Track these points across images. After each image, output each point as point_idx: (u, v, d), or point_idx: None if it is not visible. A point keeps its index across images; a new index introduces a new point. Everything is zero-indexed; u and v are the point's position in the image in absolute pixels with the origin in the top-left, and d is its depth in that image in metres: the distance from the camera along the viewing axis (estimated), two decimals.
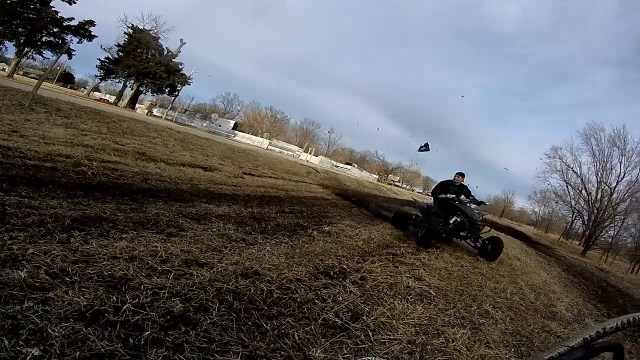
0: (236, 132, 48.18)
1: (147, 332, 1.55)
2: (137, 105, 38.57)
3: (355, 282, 3.08)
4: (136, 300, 1.74)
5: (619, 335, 3.91)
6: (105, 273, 1.93)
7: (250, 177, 10.07)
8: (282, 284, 2.51)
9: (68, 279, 1.78)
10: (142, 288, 1.86)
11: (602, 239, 32.44)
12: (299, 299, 2.35)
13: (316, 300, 2.42)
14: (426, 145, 13.24)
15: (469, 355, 2.33)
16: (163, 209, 3.59)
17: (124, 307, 1.66)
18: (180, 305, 1.82)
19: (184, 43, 36.07)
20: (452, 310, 3.09)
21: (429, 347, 2.26)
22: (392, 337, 2.24)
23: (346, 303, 2.53)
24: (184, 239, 2.86)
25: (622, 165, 30.81)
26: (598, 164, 32.34)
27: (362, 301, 2.66)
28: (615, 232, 31.56)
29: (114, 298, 1.71)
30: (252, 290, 2.25)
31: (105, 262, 2.06)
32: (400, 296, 3.05)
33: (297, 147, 52.72)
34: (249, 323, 1.88)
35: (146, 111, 38.09)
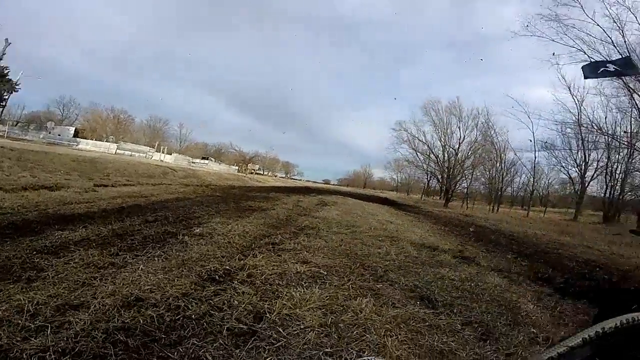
0: (78, 139, 51.75)
1: None
2: None
3: (244, 281, 3.45)
4: None
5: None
6: None
7: (104, 188, 11.12)
8: (170, 304, 2.71)
9: None
10: (24, 357, 1.90)
11: (459, 190, 46.51)
12: (193, 316, 2.57)
13: (212, 311, 2.67)
14: None
15: (382, 320, 2.86)
16: (13, 250, 3.67)
17: None
18: None
19: (9, 43, 38.09)
20: (348, 284, 3.70)
21: (342, 324, 2.67)
22: (303, 326, 2.57)
23: (243, 305, 2.84)
24: (46, 281, 2.95)
25: (460, 130, 45.48)
26: (440, 131, 46.65)
27: (258, 299, 3.00)
28: (469, 184, 45.83)
29: None
30: (142, 321, 2.40)
31: None
32: (293, 284, 3.50)
33: (148, 148, 58.85)
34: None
35: None
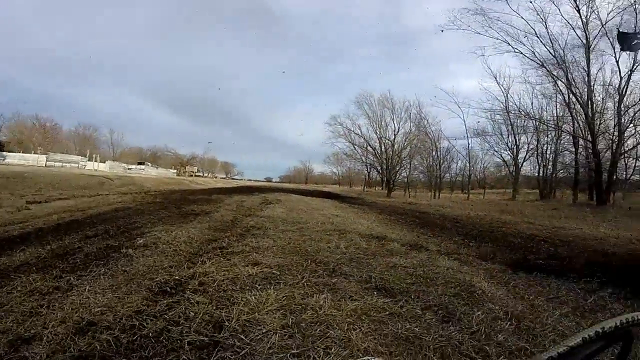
0: (4, 153, 50.01)
1: None
2: None
3: (196, 290, 3.43)
4: None
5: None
6: None
7: (37, 205, 10.99)
8: (125, 325, 2.66)
9: None
10: None
11: (400, 180, 48.64)
12: (151, 334, 2.54)
13: (169, 327, 2.64)
14: None
15: (342, 314, 2.89)
16: None
17: None
18: None
19: None
20: (303, 282, 3.74)
21: (303, 324, 2.70)
22: (265, 330, 2.57)
23: (200, 316, 2.81)
24: None
25: (394, 122, 47.74)
26: (375, 124, 48.70)
27: (214, 308, 2.99)
28: (408, 173, 48.50)
29: None
30: (98, 347, 2.36)
31: None
32: (248, 287, 3.51)
33: (80, 157, 57.90)
34: None
35: None
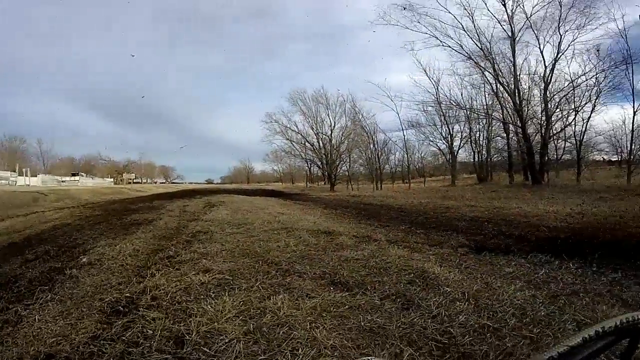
0: None
1: None
2: None
3: (150, 306, 3.32)
4: None
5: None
6: None
7: None
8: (83, 353, 2.57)
9: None
10: None
11: (341, 173, 50.20)
12: (112, 359, 2.48)
13: (129, 349, 2.57)
14: None
15: (303, 314, 2.91)
16: None
17: None
18: None
19: None
20: (257, 285, 3.72)
21: (265, 328, 2.68)
22: (227, 340, 2.54)
23: (159, 333, 2.74)
24: None
25: (330, 117, 48.95)
26: (311, 120, 49.58)
27: (171, 322, 2.91)
28: (349, 166, 50.06)
29: None
30: None
31: None
32: (202, 297, 3.46)
33: (10, 172, 54.48)
34: None
35: None
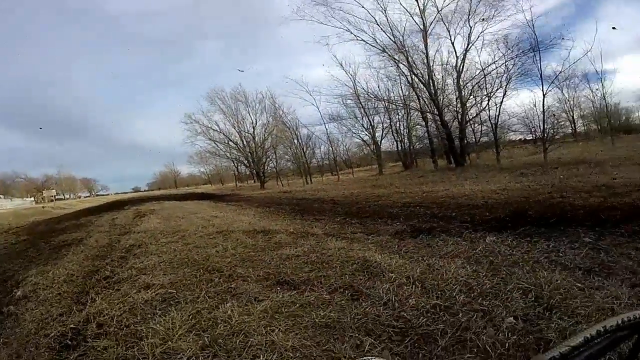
0: None
1: None
2: None
3: (98, 334, 3.17)
4: None
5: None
6: None
7: None
8: None
9: None
10: None
11: (269, 170, 49.69)
12: None
13: None
14: None
15: (255, 319, 2.87)
16: None
17: None
18: None
19: None
20: (202, 295, 3.64)
21: (221, 339, 2.62)
22: (186, 357, 2.47)
23: None
24: None
25: (250, 114, 48.43)
26: (232, 119, 48.65)
27: (124, 349, 2.79)
28: (276, 163, 49.71)
29: None
30: None
31: None
32: (149, 315, 3.33)
33: None
34: None
35: None
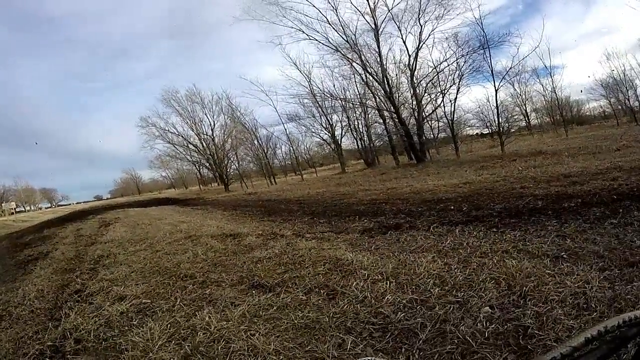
0: None
1: None
2: None
3: (76, 350, 3.09)
4: None
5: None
6: None
7: None
8: None
9: None
10: None
11: (232, 172, 48.97)
12: None
13: None
14: None
15: (234, 324, 2.85)
16: None
17: None
18: None
19: None
20: (178, 303, 3.58)
21: (202, 347, 2.59)
22: None
23: None
24: None
25: (207, 116, 47.73)
26: (189, 121, 47.87)
27: None
28: (238, 164, 48.95)
29: None
30: None
31: None
32: (126, 327, 3.28)
33: None
34: None
35: None
